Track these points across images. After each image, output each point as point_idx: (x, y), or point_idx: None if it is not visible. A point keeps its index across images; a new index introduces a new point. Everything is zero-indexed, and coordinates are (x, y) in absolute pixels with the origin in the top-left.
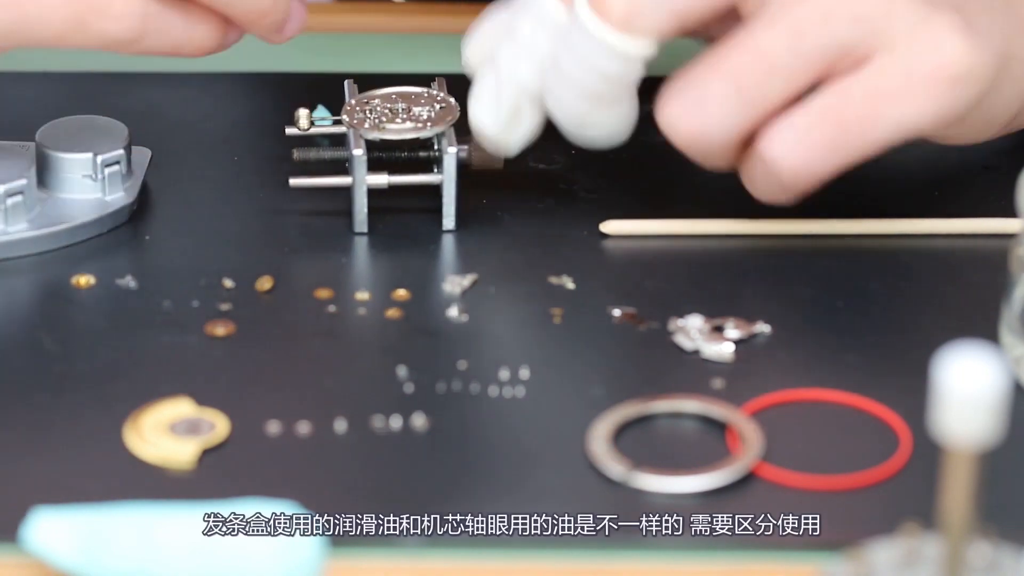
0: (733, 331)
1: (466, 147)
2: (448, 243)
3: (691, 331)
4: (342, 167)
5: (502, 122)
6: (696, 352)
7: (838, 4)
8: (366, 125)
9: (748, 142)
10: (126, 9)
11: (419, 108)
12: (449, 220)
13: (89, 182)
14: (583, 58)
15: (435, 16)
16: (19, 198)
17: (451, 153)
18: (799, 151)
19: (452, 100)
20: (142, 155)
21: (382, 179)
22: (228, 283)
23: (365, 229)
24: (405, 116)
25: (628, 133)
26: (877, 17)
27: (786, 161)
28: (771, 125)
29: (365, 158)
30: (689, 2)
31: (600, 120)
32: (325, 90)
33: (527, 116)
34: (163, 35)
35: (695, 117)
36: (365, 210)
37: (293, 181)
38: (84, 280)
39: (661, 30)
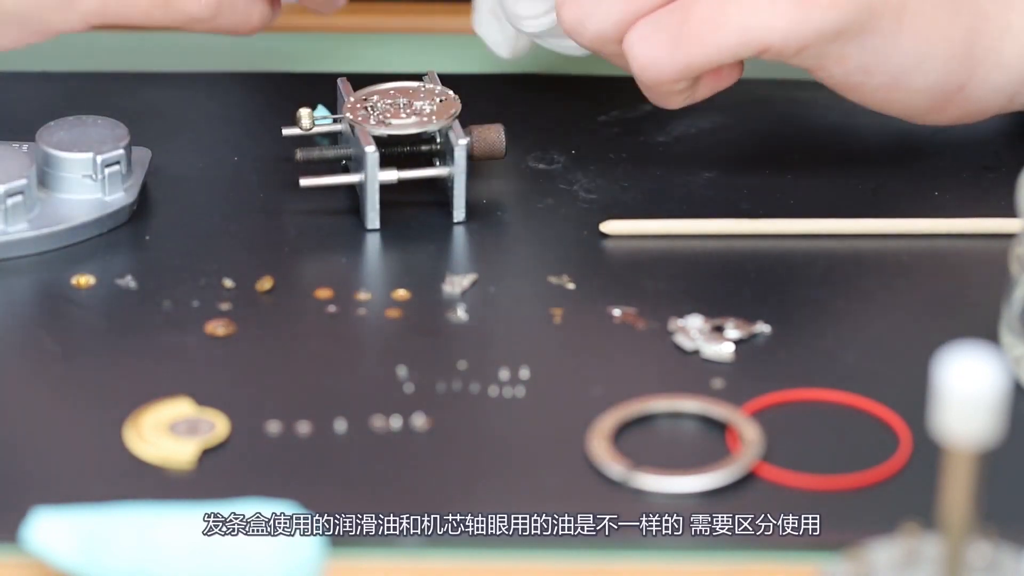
0: (733, 331)
1: (468, 139)
2: (448, 242)
3: (691, 331)
4: (340, 165)
5: (481, 23)
6: (696, 352)
7: None
8: (371, 122)
9: None
10: None
11: (419, 102)
12: (459, 212)
13: (89, 182)
14: None
15: (426, 16)
16: (19, 198)
17: (461, 146)
18: (647, 44)
19: (451, 92)
20: (142, 155)
21: (392, 175)
22: (228, 283)
23: (377, 225)
24: (408, 111)
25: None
26: None
27: (635, 51)
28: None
29: (377, 154)
30: None
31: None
32: (320, 90)
33: (497, 22)
34: (232, 14)
35: (575, 5)
36: (378, 207)
37: (304, 181)
38: (84, 280)
39: None
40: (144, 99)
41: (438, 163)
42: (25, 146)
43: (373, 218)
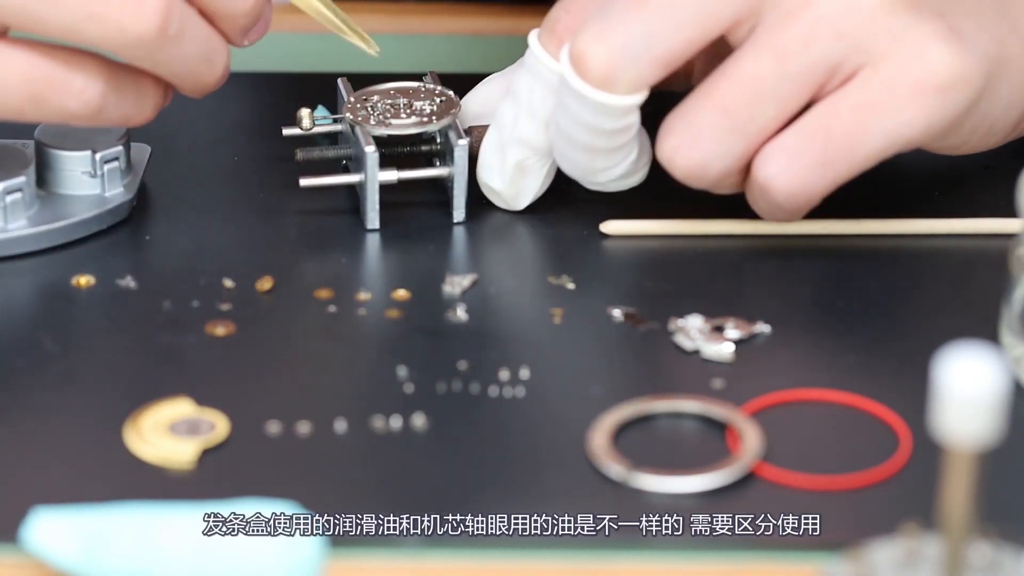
0: (733, 331)
1: (468, 139)
2: (448, 242)
3: (691, 331)
4: (340, 165)
5: (508, 179)
6: (696, 352)
7: (820, 23)
8: (371, 122)
9: (748, 167)
10: (87, 85)
11: (420, 102)
12: (459, 212)
13: (88, 179)
14: (577, 116)
15: (426, 16)
16: (18, 195)
17: (461, 145)
18: (791, 172)
19: (451, 93)
20: (141, 151)
21: (392, 175)
22: (228, 283)
23: (377, 225)
24: (408, 111)
25: (643, 175)
26: (860, 32)
27: (780, 182)
28: (764, 149)
29: (377, 155)
30: (670, 47)
31: (609, 168)
32: (320, 90)
33: (535, 171)
34: (119, 108)
35: (692, 151)
36: (378, 207)
37: (304, 181)
38: (84, 280)
39: (645, 81)
40: None
41: (438, 163)
42: (24, 143)
43: (373, 218)
